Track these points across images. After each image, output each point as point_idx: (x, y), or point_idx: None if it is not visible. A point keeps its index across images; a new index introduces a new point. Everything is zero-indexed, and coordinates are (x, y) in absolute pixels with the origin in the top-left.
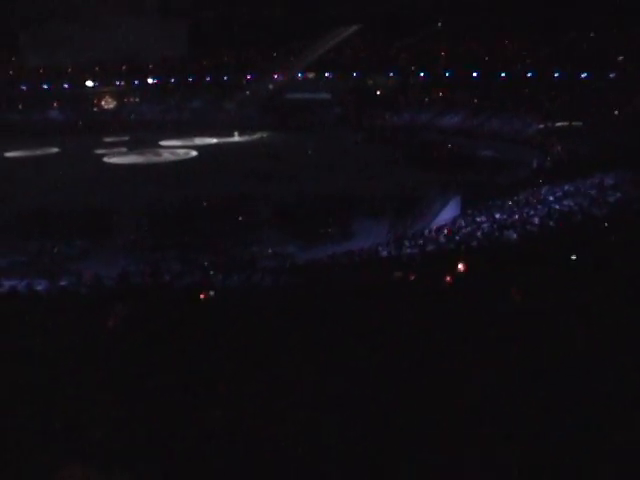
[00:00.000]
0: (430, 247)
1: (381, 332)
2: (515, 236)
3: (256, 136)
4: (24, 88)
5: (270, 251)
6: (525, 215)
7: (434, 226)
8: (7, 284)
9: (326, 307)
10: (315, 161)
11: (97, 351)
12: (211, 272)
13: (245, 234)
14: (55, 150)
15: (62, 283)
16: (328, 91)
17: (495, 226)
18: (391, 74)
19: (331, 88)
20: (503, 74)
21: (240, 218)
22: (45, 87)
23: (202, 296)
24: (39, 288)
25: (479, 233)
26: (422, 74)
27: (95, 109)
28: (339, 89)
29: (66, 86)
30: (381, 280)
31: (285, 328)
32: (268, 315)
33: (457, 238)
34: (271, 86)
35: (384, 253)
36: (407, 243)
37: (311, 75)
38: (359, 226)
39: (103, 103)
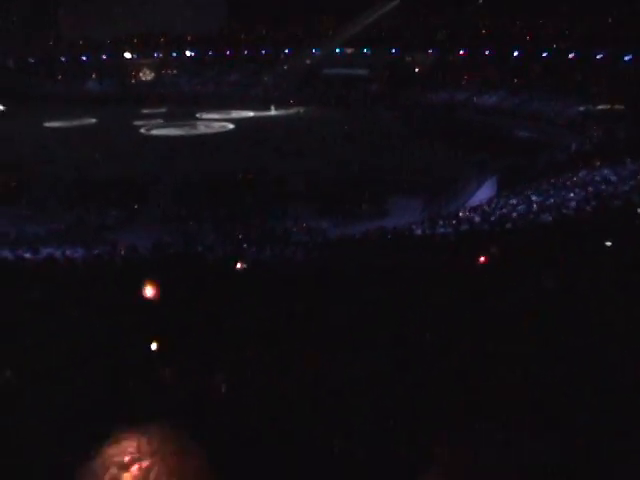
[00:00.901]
0: (464, 227)
1: (412, 312)
2: (550, 219)
3: (292, 111)
4: (63, 60)
5: (304, 226)
6: (561, 199)
7: (469, 206)
8: (44, 252)
9: (357, 284)
10: (351, 137)
11: (130, 320)
12: (244, 245)
13: (279, 208)
14: (93, 121)
15: (97, 252)
16: (366, 67)
17: (530, 208)
18: (430, 51)
19: (369, 64)
20: (544, 54)
21: (274, 192)
22: (84, 59)
23: (236, 268)
24: (75, 256)
25: (514, 215)
26: (461, 52)
27: (133, 81)
28: (377, 65)
29: (104, 58)
30: (414, 259)
31: (315, 303)
32: (299, 289)
33: (492, 219)
34: (308, 61)
35: (418, 232)
36: (441, 222)
37: (349, 50)
38: (393, 204)
39: (141, 75)
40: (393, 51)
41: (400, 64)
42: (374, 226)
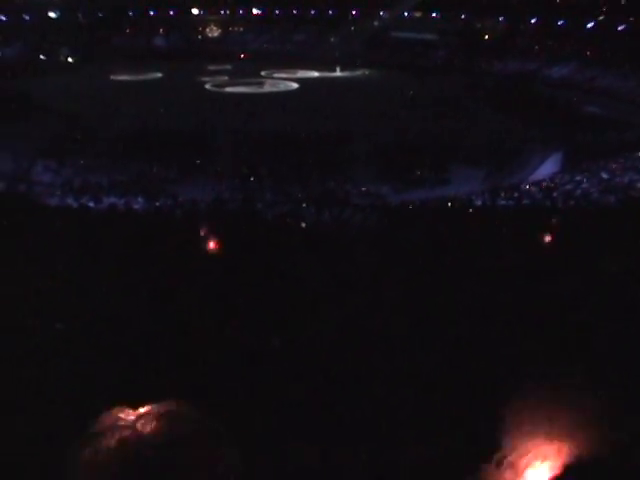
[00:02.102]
0: (525, 201)
1: (467, 283)
2: (614, 200)
3: (358, 73)
4: (131, 14)
5: (363, 189)
6: (628, 180)
7: (532, 180)
8: (107, 202)
9: (414, 251)
10: (415, 102)
11: (187, 273)
12: (303, 205)
13: (340, 170)
14: (158, 75)
15: (158, 204)
16: (434, 32)
17: (595, 188)
18: (500, 18)
19: (437, 29)
20: (621, 26)
21: (336, 154)
22: (151, 13)
23: (292, 227)
24: (136, 207)
25: (578, 192)
26: (533, 20)
27: (199, 37)
28: (445, 31)
29: (172, 13)
30: (473, 229)
31: (370, 268)
32: (355, 252)
33: (554, 195)
34: (376, 23)
35: (478, 203)
36: (502, 195)
37: (418, 14)
38: (454, 173)
39: (207, 31)
40: (463, 17)
41: (469, 30)
42: (434, 194)
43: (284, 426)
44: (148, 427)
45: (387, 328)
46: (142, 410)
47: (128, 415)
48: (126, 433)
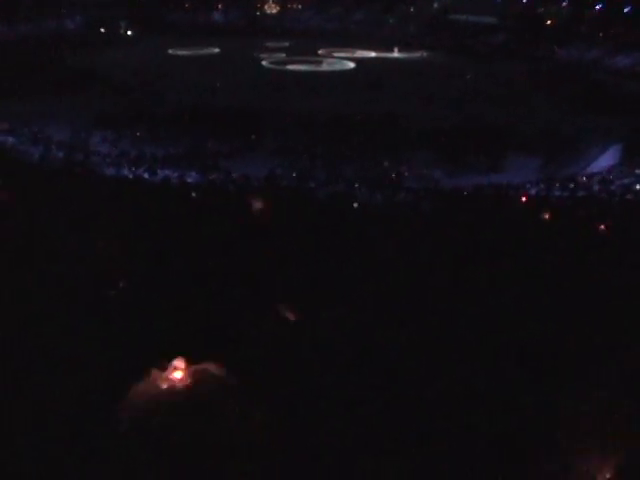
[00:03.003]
0: (581, 193)
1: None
2: None
3: (415, 54)
4: None
5: (417, 172)
6: None
7: (589, 172)
8: (161, 174)
9: (464, 237)
10: (472, 87)
11: (237, 246)
12: (356, 185)
13: (393, 152)
14: (216, 51)
15: (212, 178)
16: (494, 15)
17: None
18: (564, 3)
19: (498, 12)
20: None
21: (390, 135)
22: None
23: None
24: (189, 180)
25: (638, 186)
26: (598, 6)
27: (258, 13)
28: (507, 14)
29: None
30: (525, 218)
31: (419, 249)
32: (404, 234)
33: (612, 188)
34: (436, 4)
35: (532, 192)
36: (557, 185)
37: None
38: (510, 160)
39: (266, 8)
40: (525, 0)
41: (531, 15)
42: (487, 181)
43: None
44: (193, 379)
45: (433, 314)
46: (188, 365)
47: (177, 368)
48: (175, 383)
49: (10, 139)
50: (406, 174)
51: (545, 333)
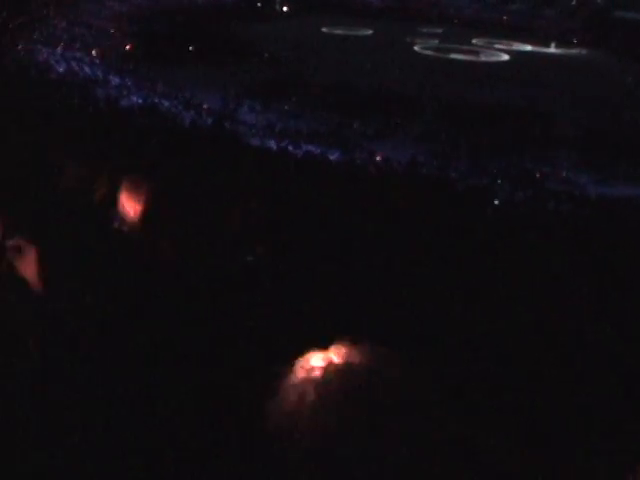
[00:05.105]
0: None
1: None
2: None
3: (574, 51)
4: None
5: (563, 175)
6: None
7: None
8: (304, 148)
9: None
10: (633, 91)
11: (370, 232)
12: (498, 180)
13: (540, 151)
14: (369, 32)
15: (354, 158)
16: None
17: None
18: None
19: None
20: None
21: (538, 133)
22: None
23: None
24: (332, 158)
25: None
26: None
27: None
28: None
29: None
30: None
31: (555, 261)
32: (544, 240)
33: None
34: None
35: None
36: None
37: None
38: None
39: None
40: None
41: None
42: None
43: None
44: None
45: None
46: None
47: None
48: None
49: (165, 103)
50: (551, 176)
51: None
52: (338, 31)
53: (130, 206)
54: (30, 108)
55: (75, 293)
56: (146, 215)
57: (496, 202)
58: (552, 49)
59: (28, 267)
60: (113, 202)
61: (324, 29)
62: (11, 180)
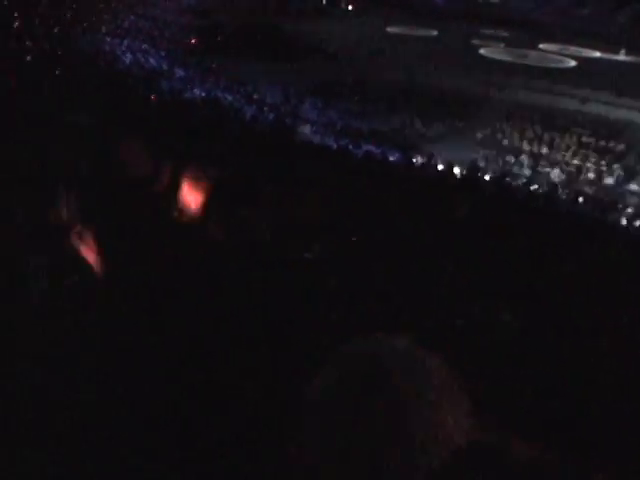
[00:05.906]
0: None
1: None
2: None
3: None
4: None
5: (635, 188)
6: None
7: None
8: (364, 148)
9: None
10: None
11: (425, 235)
12: (560, 190)
13: (599, 161)
14: (434, 33)
15: (413, 160)
16: None
17: None
18: None
19: None
20: None
21: (601, 144)
22: None
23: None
24: (391, 159)
25: None
26: None
27: (480, 0)
28: None
29: None
30: None
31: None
32: (611, 257)
33: None
34: None
35: None
36: None
37: None
38: None
39: None
40: None
41: None
42: None
43: None
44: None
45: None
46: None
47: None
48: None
49: (228, 97)
50: (619, 190)
51: None
52: (402, 31)
53: (191, 197)
54: (96, 97)
55: (133, 282)
56: (206, 207)
57: (557, 208)
58: (621, 56)
59: (89, 254)
60: (175, 193)
61: (388, 29)
62: (77, 168)
